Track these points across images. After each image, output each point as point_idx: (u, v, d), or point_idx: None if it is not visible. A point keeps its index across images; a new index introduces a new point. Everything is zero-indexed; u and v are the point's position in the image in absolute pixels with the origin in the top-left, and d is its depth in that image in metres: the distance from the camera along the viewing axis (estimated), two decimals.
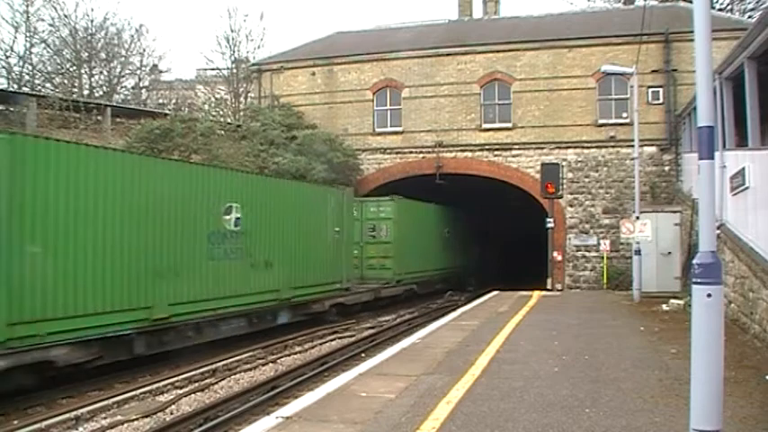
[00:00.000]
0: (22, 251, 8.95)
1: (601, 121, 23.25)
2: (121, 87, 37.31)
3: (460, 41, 25.21)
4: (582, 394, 6.92)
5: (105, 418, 8.72)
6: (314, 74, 26.36)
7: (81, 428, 8.34)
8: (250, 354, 12.89)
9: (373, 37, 28.16)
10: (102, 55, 34.65)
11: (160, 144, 19.15)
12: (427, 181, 24.70)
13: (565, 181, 22.21)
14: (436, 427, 5.81)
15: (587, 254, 23.25)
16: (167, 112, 24.84)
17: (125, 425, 8.39)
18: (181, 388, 10.28)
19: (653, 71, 22.43)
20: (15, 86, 27.87)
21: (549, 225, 20.73)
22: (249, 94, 31.04)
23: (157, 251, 11.33)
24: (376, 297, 19.85)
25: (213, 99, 36.51)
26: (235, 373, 11.40)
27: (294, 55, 27.44)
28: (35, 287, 9.09)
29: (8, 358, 8.65)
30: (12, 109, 19.41)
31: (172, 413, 8.97)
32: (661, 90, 22.63)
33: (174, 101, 39.36)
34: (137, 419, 8.55)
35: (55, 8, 31.84)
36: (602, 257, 22.01)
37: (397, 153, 25.39)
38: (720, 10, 31.20)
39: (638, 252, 17.33)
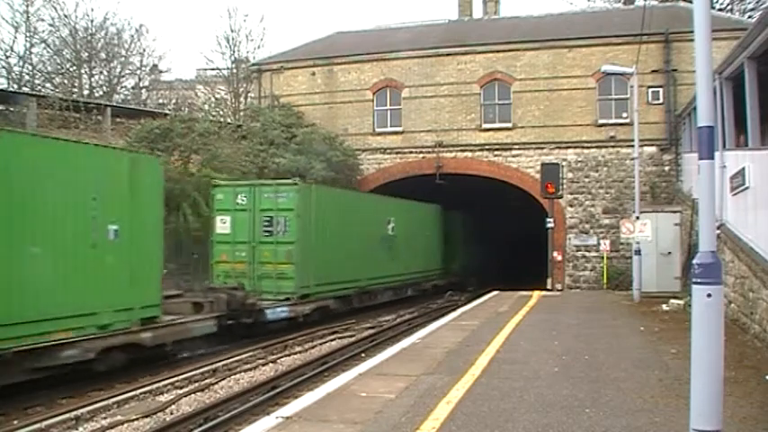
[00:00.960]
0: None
1: (601, 121, 23.25)
2: (121, 87, 37.31)
3: (460, 41, 25.22)
4: (582, 394, 6.92)
5: (105, 418, 8.71)
6: (314, 74, 26.37)
7: (81, 428, 8.33)
8: (250, 354, 12.89)
9: (373, 37, 28.16)
10: (102, 55, 34.62)
11: (160, 144, 19.13)
12: (427, 181, 24.71)
13: (565, 181, 22.20)
14: (436, 427, 5.81)
15: (587, 254, 23.25)
16: (167, 112, 24.81)
17: (125, 425, 8.38)
18: (181, 388, 10.28)
19: (653, 71, 22.44)
20: (15, 86, 27.85)
21: (549, 225, 20.74)
22: (249, 94, 31.04)
23: (362, 249, 19.07)
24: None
25: (213, 99, 36.50)
26: (235, 373, 11.39)
27: (294, 55, 27.44)
28: (328, 266, 16.97)
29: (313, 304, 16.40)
30: (12, 109, 19.40)
31: (172, 413, 8.97)
32: (661, 90, 22.63)
33: (174, 101, 39.34)
34: (137, 419, 8.55)
35: (55, 8, 31.84)
36: (602, 257, 22.01)
37: (397, 153, 25.39)
38: (720, 10, 31.19)
39: (638, 252, 17.33)
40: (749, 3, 32.96)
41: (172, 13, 69.87)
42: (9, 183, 8.95)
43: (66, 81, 32.27)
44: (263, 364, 12.22)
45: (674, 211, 19.39)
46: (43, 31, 31.46)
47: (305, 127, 24.17)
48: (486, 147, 24.36)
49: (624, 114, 22.71)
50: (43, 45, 31.59)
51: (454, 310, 16.70)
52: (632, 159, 19.44)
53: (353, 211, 18.93)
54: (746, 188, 11.02)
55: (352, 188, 23.63)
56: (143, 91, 39.79)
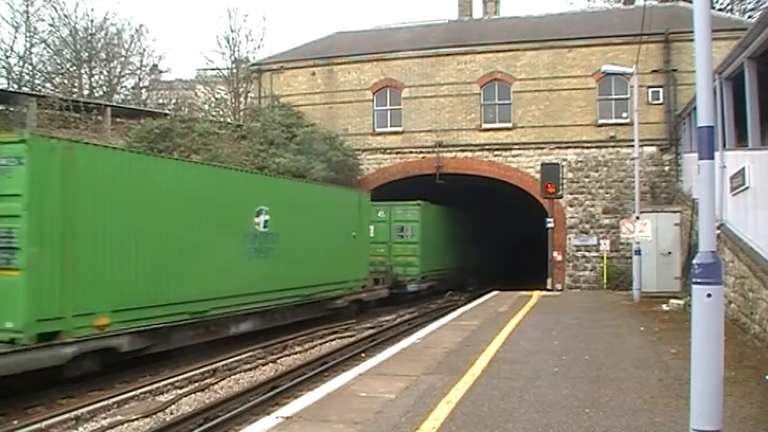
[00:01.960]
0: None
1: (601, 121, 23.25)
2: (121, 87, 37.36)
3: (460, 41, 25.21)
4: (582, 394, 6.92)
5: (105, 418, 8.71)
6: (314, 74, 26.37)
7: (81, 428, 8.33)
8: (250, 354, 12.89)
9: (373, 37, 28.16)
10: (102, 55, 34.65)
11: (160, 144, 19.15)
12: (427, 181, 24.70)
13: (565, 181, 22.20)
14: (436, 427, 5.81)
15: (587, 254, 23.25)
16: (167, 112, 24.83)
17: (125, 425, 8.38)
18: (181, 388, 10.28)
19: (653, 71, 22.43)
20: (15, 86, 27.88)
21: (549, 225, 20.74)
22: (249, 94, 31.05)
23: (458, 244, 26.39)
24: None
25: (213, 99, 36.52)
26: (235, 373, 11.39)
27: (294, 55, 27.44)
28: (434, 259, 24.34)
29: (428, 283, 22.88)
30: (12, 109, 19.41)
31: (172, 413, 8.97)
32: (661, 90, 22.63)
33: (174, 101, 39.35)
34: (137, 419, 8.55)
35: (55, 8, 31.90)
36: (602, 257, 22.00)
37: (397, 153, 25.39)
38: (720, 10, 31.20)
39: (638, 252, 17.32)
40: (749, 3, 33.01)
41: (172, 13, 69.94)
42: (346, 214, 18.31)
43: (66, 81, 32.30)
44: (263, 364, 12.22)
45: (674, 211, 19.38)
46: (43, 31, 31.55)
47: (305, 127, 24.17)
48: (486, 147, 24.36)
49: (624, 114, 22.71)
50: (43, 45, 31.68)
51: (454, 310, 16.71)
52: (632, 159, 19.44)
53: (452, 222, 26.25)
54: (746, 188, 11.02)
55: (353, 188, 23.64)
56: (143, 91, 39.82)
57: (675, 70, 22.37)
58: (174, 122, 20.20)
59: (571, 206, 23.47)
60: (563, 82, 23.52)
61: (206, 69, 38.46)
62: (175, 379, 10.64)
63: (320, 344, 14.60)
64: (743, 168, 11.08)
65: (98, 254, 9.99)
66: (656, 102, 22.70)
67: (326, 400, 6.99)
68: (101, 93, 33.04)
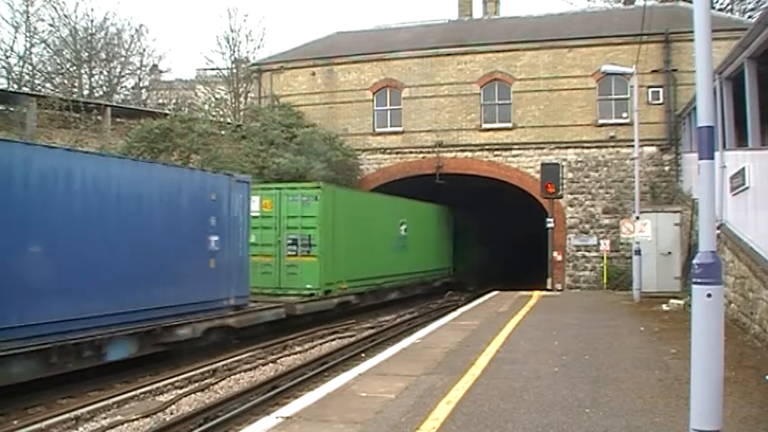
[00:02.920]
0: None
1: (601, 121, 23.25)
2: (121, 87, 37.31)
3: (460, 41, 25.21)
4: (582, 394, 6.92)
5: (105, 418, 8.72)
6: (314, 74, 26.37)
7: (81, 428, 8.34)
8: (250, 354, 12.90)
9: (373, 37, 28.16)
10: (102, 55, 34.62)
11: (159, 144, 19.14)
12: (427, 181, 24.70)
13: (565, 181, 22.20)
14: (436, 427, 5.81)
15: (587, 254, 23.25)
16: (167, 112, 24.80)
17: (125, 425, 8.39)
18: (181, 388, 10.28)
19: (653, 71, 22.42)
20: (15, 86, 27.84)
21: (549, 225, 20.74)
22: (249, 94, 31.04)
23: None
24: None
25: (213, 99, 36.49)
26: (235, 373, 11.39)
27: (294, 55, 27.44)
28: None
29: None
30: (12, 109, 19.38)
31: (172, 413, 8.97)
32: (661, 90, 22.62)
33: (174, 101, 39.31)
34: (137, 419, 8.55)
35: (55, 8, 31.83)
36: (602, 257, 22.00)
37: (397, 153, 25.39)
38: (720, 10, 31.19)
39: (638, 252, 17.32)
40: (749, 3, 32.98)
41: (172, 13, 69.94)
42: (439, 222, 25.74)
43: (66, 81, 32.27)
44: (263, 364, 12.22)
45: (674, 211, 19.38)
46: (43, 31, 31.49)
47: (305, 127, 24.16)
48: (487, 147, 24.36)
49: (624, 114, 22.71)
50: (43, 45, 31.63)
51: (454, 310, 16.71)
52: (632, 159, 19.44)
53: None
54: (746, 188, 11.02)
55: (352, 188, 23.70)
56: (143, 91, 39.79)
57: (675, 70, 22.37)
58: (173, 122, 20.19)
59: (571, 206, 23.47)
60: (563, 82, 23.52)
61: (206, 69, 38.47)
62: (175, 379, 10.64)
63: (320, 344, 14.60)
64: (743, 168, 11.08)
65: (343, 249, 17.82)
66: (656, 102, 22.70)
67: (326, 400, 6.99)
68: (101, 93, 33.01)
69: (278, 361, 12.62)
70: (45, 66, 32.14)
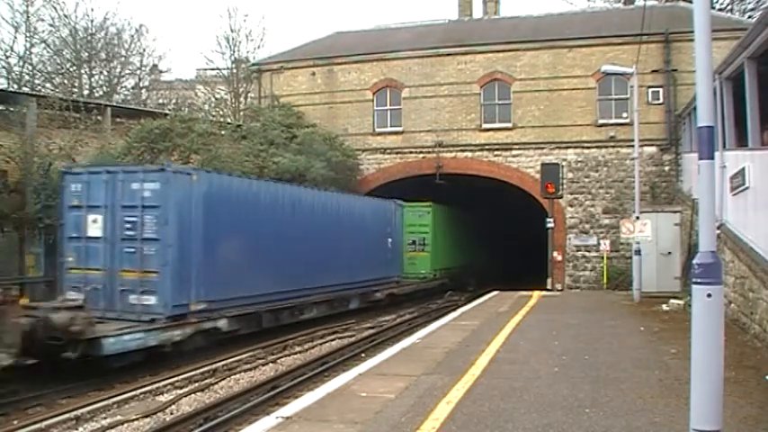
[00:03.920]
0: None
1: (601, 121, 23.24)
2: (121, 87, 37.27)
3: (460, 41, 25.21)
4: (582, 394, 6.92)
5: (105, 418, 8.72)
6: (314, 74, 26.36)
7: (81, 428, 8.34)
8: (250, 354, 12.90)
9: (373, 37, 28.15)
10: (102, 55, 34.59)
11: (159, 144, 19.11)
12: (427, 181, 24.70)
13: (565, 181, 22.19)
14: (436, 427, 5.81)
15: (587, 254, 23.25)
16: (167, 112, 24.77)
17: (125, 425, 8.39)
18: (181, 388, 10.29)
19: (653, 71, 22.42)
20: (15, 86, 27.80)
21: (549, 225, 20.73)
22: (249, 94, 31.03)
23: None
24: None
25: (213, 99, 36.49)
26: (235, 373, 11.40)
27: (294, 55, 27.44)
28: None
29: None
30: (12, 109, 19.34)
31: (172, 413, 8.98)
32: (661, 90, 22.62)
33: (174, 101, 39.29)
34: (137, 419, 8.55)
35: (55, 8, 31.79)
36: (602, 257, 21.99)
37: (397, 153, 25.39)
38: (720, 10, 31.17)
39: (638, 252, 17.31)
40: (749, 3, 32.96)
41: (172, 13, 69.94)
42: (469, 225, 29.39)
43: (66, 81, 32.25)
44: (263, 364, 12.23)
45: (674, 211, 19.38)
46: (43, 31, 31.45)
47: (305, 127, 24.16)
48: (486, 147, 24.36)
49: (624, 114, 22.70)
50: (43, 45, 31.58)
51: (454, 310, 16.70)
52: (632, 159, 19.42)
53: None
54: (746, 188, 11.02)
55: (353, 189, 23.70)
56: (143, 91, 39.77)
57: (675, 70, 22.36)
58: (173, 122, 20.15)
59: (571, 206, 23.47)
60: (563, 82, 23.52)
61: (206, 69, 38.47)
62: (175, 379, 10.65)
63: (320, 344, 14.61)
64: (743, 168, 11.07)
65: (439, 247, 24.95)
66: (656, 102, 22.69)
67: (326, 400, 6.99)
68: (101, 93, 32.98)
69: (278, 361, 12.63)
70: (45, 66, 32.14)
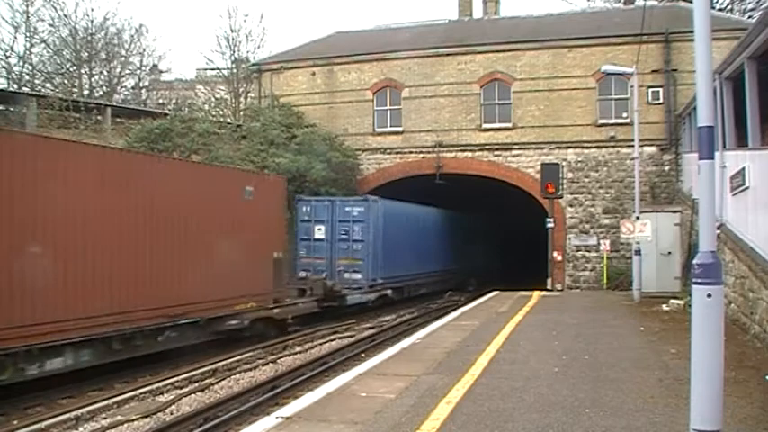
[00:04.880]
0: None
1: (601, 121, 23.24)
2: (121, 87, 37.29)
3: (460, 41, 25.20)
4: (582, 394, 6.92)
5: (105, 418, 8.72)
6: (314, 74, 26.36)
7: (81, 428, 8.34)
8: (250, 354, 12.90)
9: (373, 37, 28.15)
10: (102, 55, 34.59)
11: (160, 144, 19.13)
12: (427, 181, 24.69)
13: (565, 181, 22.19)
14: (436, 427, 5.81)
15: (587, 254, 23.24)
16: (167, 112, 24.79)
17: (125, 425, 8.39)
18: (181, 388, 10.28)
19: (653, 71, 22.41)
20: (15, 86, 27.81)
21: (549, 225, 20.72)
22: (249, 94, 31.01)
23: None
24: None
25: (213, 99, 36.47)
26: (235, 373, 11.40)
27: (294, 55, 27.43)
28: None
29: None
30: (12, 109, 19.40)
31: (172, 413, 8.97)
32: (661, 90, 22.61)
33: (174, 101, 39.28)
34: (137, 419, 8.55)
35: (55, 8, 31.85)
36: (602, 257, 21.99)
37: (397, 153, 25.38)
38: (720, 10, 31.17)
39: (638, 252, 17.31)
40: (749, 3, 32.94)
41: (172, 13, 69.95)
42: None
43: (66, 81, 32.25)
44: (263, 364, 12.23)
45: (674, 211, 19.36)
46: (43, 31, 31.48)
47: (305, 127, 24.15)
48: (487, 147, 24.36)
49: (624, 114, 22.69)
50: (43, 45, 31.60)
51: (454, 310, 16.70)
52: (632, 159, 19.42)
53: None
54: (746, 188, 11.02)
55: (353, 188, 23.69)
56: (143, 91, 39.78)
57: (675, 70, 22.36)
58: (174, 122, 20.18)
59: (571, 206, 23.47)
60: (563, 82, 23.51)
61: (206, 69, 38.44)
62: (175, 379, 10.65)
63: (320, 344, 14.61)
64: (743, 168, 11.07)
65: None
66: (656, 102, 22.69)
67: (326, 400, 6.99)
68: (101, 93, 32.99)
69: (278, 361, 12.62)
70: (45, 66, 32.14)
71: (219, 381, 10.79)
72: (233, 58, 35.41)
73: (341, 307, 18.26)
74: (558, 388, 7.22)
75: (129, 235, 10.88)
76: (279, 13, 73.65)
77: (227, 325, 13.17)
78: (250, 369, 11.81)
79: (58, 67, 32.45)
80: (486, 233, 30.80)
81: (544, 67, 23.74)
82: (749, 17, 28.34)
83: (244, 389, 10.07)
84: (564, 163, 22.77)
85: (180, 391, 10.03)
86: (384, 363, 9.05)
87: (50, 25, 31.54)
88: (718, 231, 11.84)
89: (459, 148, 24.65)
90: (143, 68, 38.28)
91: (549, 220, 20.78)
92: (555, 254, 22.03)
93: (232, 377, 11.15)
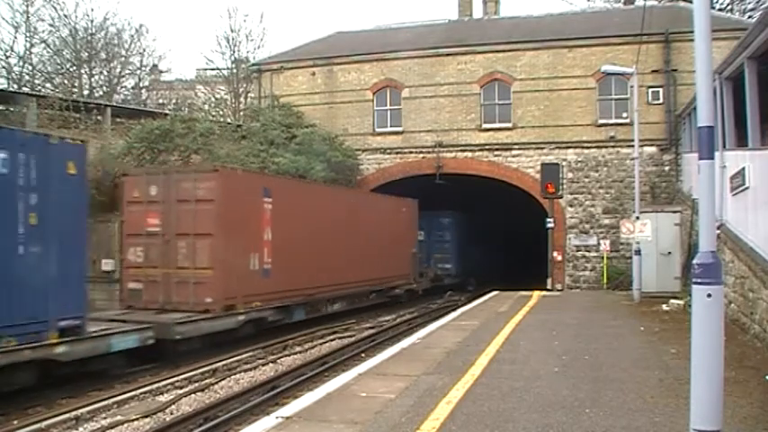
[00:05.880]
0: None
1: (601, 121, 23.24)
2: (121, 87, 37.31)
3: (460, 41, 25.20)
4: (582, 394, 6.92)
5: (105, 418, 8.72)
6: (314, 74, 26.36)
7: (81, 428, 8.34)
8: (250, 354, 12.90)
9: (373, 37, 28.15)
10: (102, 55, 34.60)
11: (160, 144, 19.12)
12: (427, 181, 24.70)
13: (565, 181, 22.19)
14: (436, 427, 5.81)
15: (587, 254, 23.25)
16: (167, 112, 24.80)
17: (125, 425, 8.39)
18: (181, 388, 10.28)
19: (653, 71, 22.42)
20: (15, 86, 27.83)
21: (549, 225, 20.73)
22: (249, 94, 31.04)
23: None
24: None
25: (213, 99, 36.49)
26: (235, 373, 11.39)
27: (294, 55, 27.44)
28: None
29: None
30: (12, 109, 19.40)
31: (172, 413, 8.97)
32: (661, 90, 22.62)
33: (174, 101, 39.33)
34: (137, 419, 8.55)
35: (55, 8, 31.87)
36: (602, 257, 21.99)
37: (397, 153, 25.38)
38: (720, 10, 31.16)
39: (638, 252, 17.31)
40: (749, 3, 32.93)
41: (172, 13, 69.95)
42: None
43: (66, 81, 32.27)
44: (263, 364, 12.22)
45: (674, 211, 19.35)
46: (43, 31, 31.51)
47: (305, 127, 24.14)
48: (486, 147, 24.36)
49: (624, 114, 22.70)
50: (43, 45, 31.64)
51: (454, 310, 16.70)
52: (632, 159, 19.43)
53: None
54: (746, 188, 11.02)
55: (353, 188, 23.70)
56: (143, 91, 39.80)
57: (675, 70, 22.36)
58: (174, 123, 20.16)
59: (571, 206, 23.47)
60: (563, 82, 23.51)
61: (206, 69, 38.47)
62: (175, 379, 10.64)
63: (320, 344, 14.60)
64: (743, 168, 11.08)
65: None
66: (656, 102, 22.70)
67: (326, 400, 6.99)
68: (101, 93, 33.00)
69: (278, 361, 12.62)
70: (45, 66, 32.17)
71: (219, 381, 10.78)
72: (233, 58, 35.48)
73: (441, 286, 25.68)
74: (558, 388, 7.22)
75: (356, 242, 18.87)
76: (279, 13, 73.66)
77: (395, 292, 21.83)
78: (250, 369, 11.80)
79: (58, 67, 32.48)
80: (486, 233, 30.77)
81: (544, 67, 23.75)
82: (749, 17, 28.34)
83: (244, 389, 10.07)
84: (564, 163, 22.77)
85: (180, 391, 10.03)
86: (384, 363, 9.06)
87: (50, 25, 31.61)
88: (718, 231, 11.84)
89: (459, 148, 24.65)
90: (143, 68, 38.33)
91: (548, 220, 20.79)
92: (555, 254, 22.03)
93: (232, 377, 11.14)
